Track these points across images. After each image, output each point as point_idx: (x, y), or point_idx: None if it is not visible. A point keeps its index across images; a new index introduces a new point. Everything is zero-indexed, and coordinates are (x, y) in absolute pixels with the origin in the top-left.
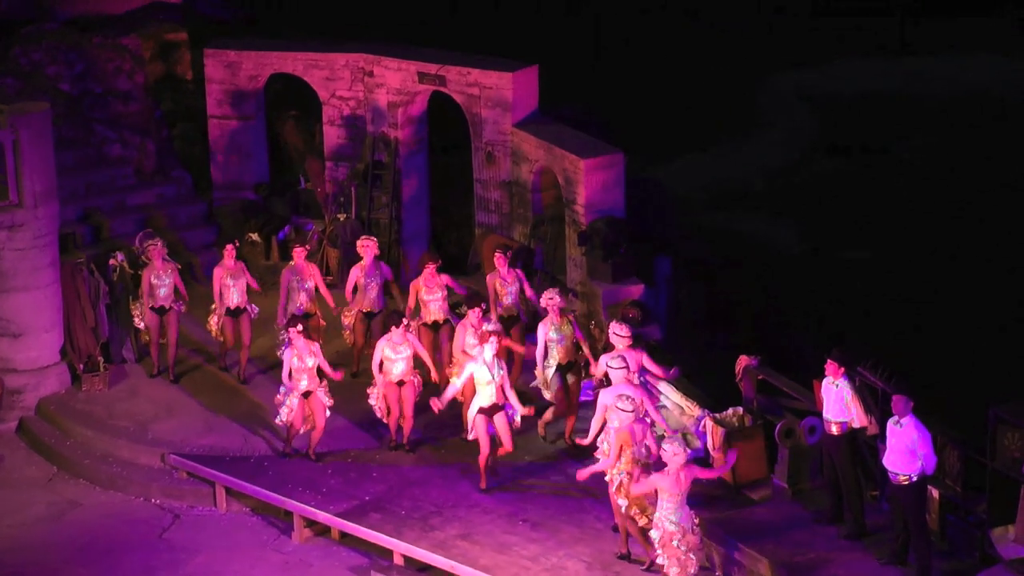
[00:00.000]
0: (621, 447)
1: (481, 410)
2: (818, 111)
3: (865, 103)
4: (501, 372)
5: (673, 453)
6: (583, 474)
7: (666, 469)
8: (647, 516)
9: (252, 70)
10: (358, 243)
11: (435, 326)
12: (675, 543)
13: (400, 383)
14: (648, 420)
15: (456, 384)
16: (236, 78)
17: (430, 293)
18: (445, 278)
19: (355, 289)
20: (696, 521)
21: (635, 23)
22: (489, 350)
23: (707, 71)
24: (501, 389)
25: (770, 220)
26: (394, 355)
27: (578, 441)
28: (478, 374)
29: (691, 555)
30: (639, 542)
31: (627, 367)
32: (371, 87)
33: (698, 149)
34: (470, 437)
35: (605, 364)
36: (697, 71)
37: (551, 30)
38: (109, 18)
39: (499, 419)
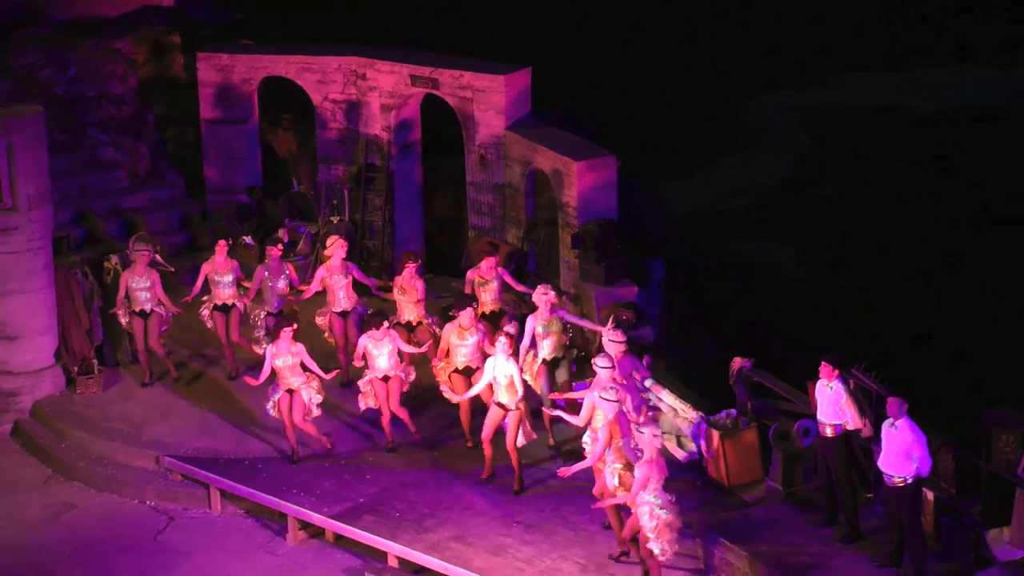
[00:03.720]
0: (610, 439)
1: (496, 403)
2: (814, 129)
3: (862, 118)
4: (511, 370)
5: (652, 434)
6: (566, 472)
7: (647, 457)
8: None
9: (245, 73)
10: (329, 242)
11: (409, 327)
12: (667, 524)
13: (385, 378)
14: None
15: (477, 388)
16: (229, 81)
17: (404, 293)
18: (420, 283)
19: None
20: (673, 499)
21: (632, 31)
22: (501, 348)
23: (701, 87)
24: (513, 385)
25: (763, 239)
26: (376, 351)
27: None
28: (494, 372)
29: (677, 534)
30: (619, 538)
31: (613, 366)
32: (364, 90)
33: (691, 169)
34: (470, 444)
35: (595, 364)
36: (691, 87)
37: (545, 33)
38: (102, 21)
39: (510, 417)
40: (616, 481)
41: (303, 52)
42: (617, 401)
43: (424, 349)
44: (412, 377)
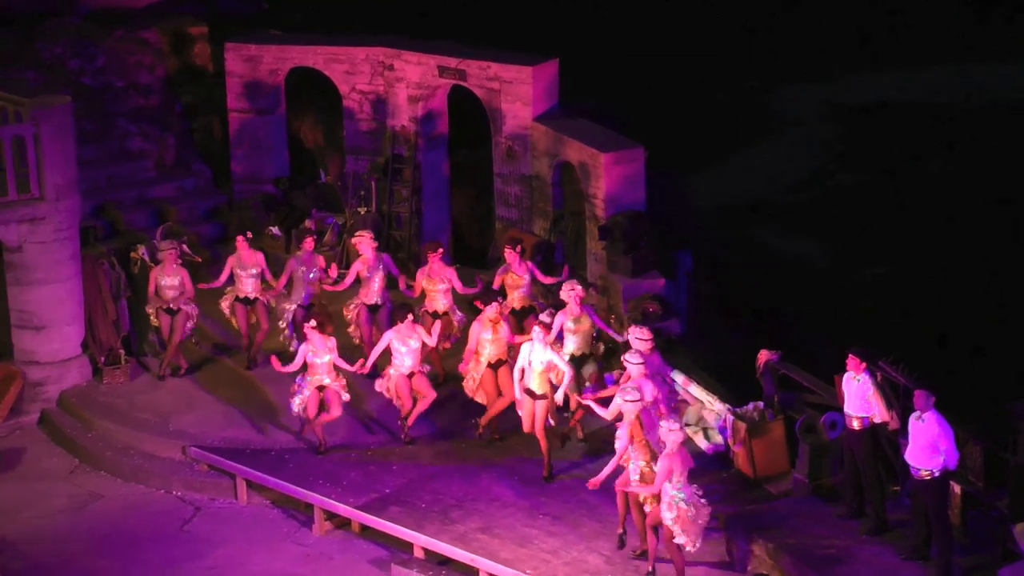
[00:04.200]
0: (631, 437)
1: (526, 390)
2: (840, 122)
3: (888, 114)
4: (548, 357)
5: (668, 429)
6: (596, 482)
7: (668, 450)
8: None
9: (272, 64)
10: (353, 240)
11: (435, 316)
12: (689, 517)
13: (410, 375)
14: (657, 412)
15: (516, 373)
16: (256, 72)
17: (433, 283)
18: (451, 271)
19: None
20: (700, 492)
21: (660, 22)
22: (537, 336)
23: (726, 78)
24: (547, 373)
25: (792, 231)
26: (403, 348)
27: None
28: (530, 357)
29: (704, 526)
30: (642, 534)
31: (644, 362)
32: (391, 81)
33: (716, 161)
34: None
35: (624, 360)
36: (716, 77)
37: (572, 24)
38: (130, 12)
39: (539, 405)
40: (637, 478)
41: (331, 43)
42: (638, 400)
43: (434, 343)
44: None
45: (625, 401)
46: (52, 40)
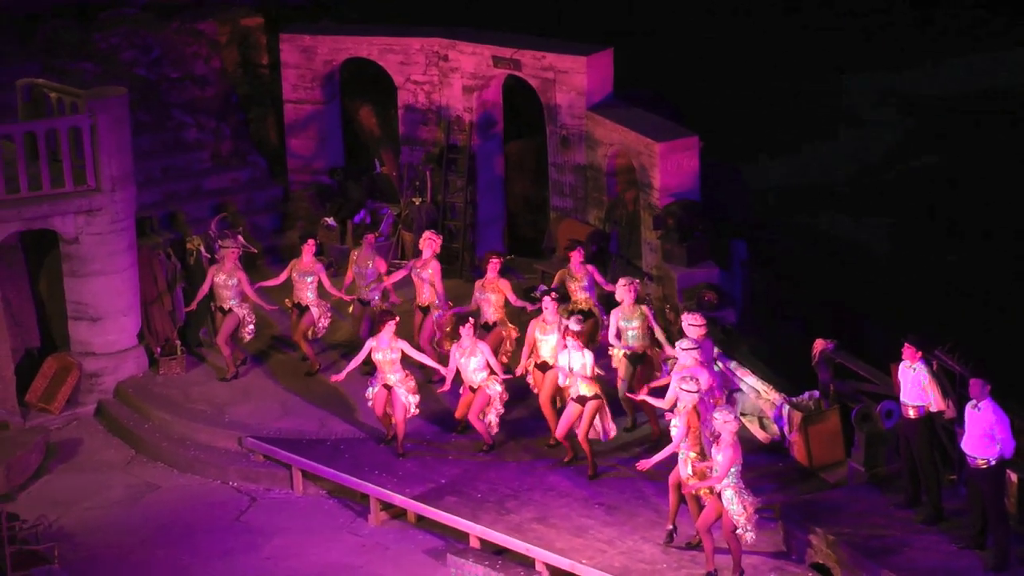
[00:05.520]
0: (688, 427)
1: (574, 398)
2: (905, 112)
3: (955, 103)
4: (583, 361)
5: (724, 420)
6: (646, 464)
7: (727, 441)
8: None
9: (327, 55)
10: (424, 237)
11: (486, 326)
12: (754, 509)
13: (472, 389)
14: (712, 400)
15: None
16: (311, 63)
17: (484, 292)
18: (505, 283)
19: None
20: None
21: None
22: (569, 342)
23: (791, 66)
24: (594, 379)
25: (849, 220)
26: (464, 360)
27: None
28: (570, 365)
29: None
30: (695, 521)
31: (698, 347)
32: (446, 71)
33: (777, 151)
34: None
35: (678, 348)
36: (781, 65)
37: (626, 12)
38: (186, 3)
39: (587, 407)
40: (689, 470)
41: (385, 33)
42: (696, 391)
43: (498, 367)
44: (500, 392)
45: (683, 390)
46: (108, 31)
